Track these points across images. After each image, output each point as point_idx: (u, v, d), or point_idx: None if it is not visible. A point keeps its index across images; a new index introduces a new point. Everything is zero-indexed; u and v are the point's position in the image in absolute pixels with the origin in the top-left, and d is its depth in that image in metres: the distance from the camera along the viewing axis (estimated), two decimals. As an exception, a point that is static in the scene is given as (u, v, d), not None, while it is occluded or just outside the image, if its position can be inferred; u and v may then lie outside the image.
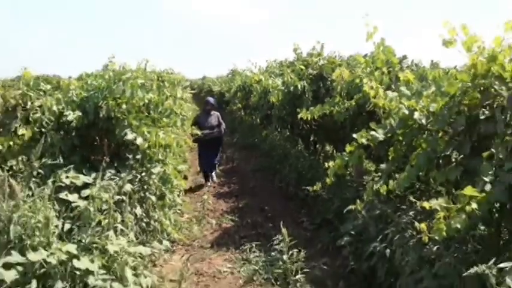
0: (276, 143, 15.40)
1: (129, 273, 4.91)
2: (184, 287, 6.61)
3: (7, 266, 4.65)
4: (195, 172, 14.35)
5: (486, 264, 3.54)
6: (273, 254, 7.32)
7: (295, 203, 10.68)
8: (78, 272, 4.74)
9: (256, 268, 7.20)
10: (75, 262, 4.65)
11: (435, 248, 5.00)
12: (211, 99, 13.41)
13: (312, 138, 11.69)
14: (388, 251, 5.95)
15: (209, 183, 12.97)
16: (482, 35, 4.50)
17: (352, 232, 6.97)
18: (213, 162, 13.35)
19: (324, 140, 10.87)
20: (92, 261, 4.82)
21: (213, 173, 13.58)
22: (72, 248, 4.80)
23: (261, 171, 14.66)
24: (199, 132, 11.29)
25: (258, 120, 17.45)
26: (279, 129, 14.18)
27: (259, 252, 7.80)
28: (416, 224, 4.91)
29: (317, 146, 11.88)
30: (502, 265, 3.47)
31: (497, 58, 4.30)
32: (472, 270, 3.59)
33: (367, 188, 6.88)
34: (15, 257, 4.73)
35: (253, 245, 8.04)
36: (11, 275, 4.67)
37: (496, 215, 4.06)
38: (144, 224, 7.00)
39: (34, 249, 4.74)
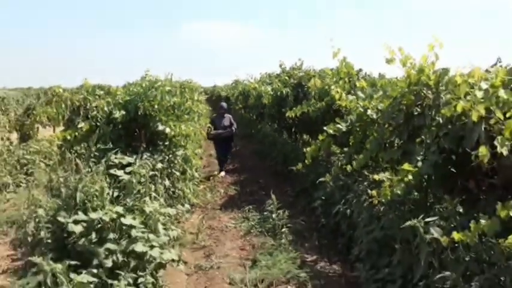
0: (267, 134, 15.23)
1: (160, 227, 4.91)
2: (200, 238, 6.69)
3: (75, 222, 4.70)
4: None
5: (417, 219, 3.59)
6: (265, 213, 7.34)
7: (281, 177, 10.62)
8: (124, 227, 4.76)
9: (253, 224, 7.27)
10: (122, 219, 4.66)
11: (382, 208, 5.05)
12: (224, 104, 12.33)
13: (293, 130, 11.62)
14: (348, 211, 5.92)
15: (222, 173, 11.82)
16: (414, 54, 4.51)
17: (323, 197, 6.94)
18: (226, 154, 12.28)
19: (302, 131, 10.80)
20: (134, 218, 4.80)
21: (224, 165, 12.25)
22: (120, 209, 4.80)
23: (256, 154, 14.56)
24: (213, 131, 11.14)
25: (254, 116, 17.33)
26: (269, 124, 13.97)
27: (255, 212, 7.87)
28: (369, 191, 4.93)
29: (297, 135, 11.83)
30: (427, 219, 3.52)
31: (424, 71, 4.30)
32: (407, 224, 3.64)
33: (334, 166, 6.95)
34: (80, 215, 4.77)
35: (251, 207, 8.11)
36: (78, 229, 4.71)
37: (425, 183, 4.08)
38: (171, 192, 7.00)
39: (94, 210, 4.77)
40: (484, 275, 2.91)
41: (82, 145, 6.43)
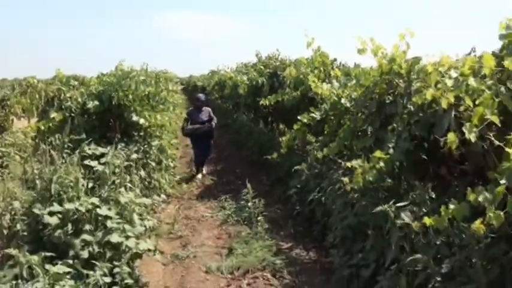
0: (243, 123, 15.21)
1: (136, 217, 4.87)
2: (177, 228, 6.66)
3: (51, 214, 4.64)
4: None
5: (388, 205, 3.64)
6: (241, 202, 7.33)
7: (257, 167, 10.59)
8: (100, 218, 4.72)
9: (229, 213, 7.24)
10: (98, 210, 4.60)
11: (355, 195, 5.09)
12: (201, 96, 10.67)
13: (269, 119, 11.65)
14: (323, 198, 5.97)
15: (199, 176, 10.16)
16: (385, 44, 4.56)
17: (298, 186, 6.95)
18: (205, 153, 10.52)
19: (278, 120, 10.84)
20: (109, 209, 4.75)
21: (205, 167, 10.65)
22: (95, 200, 4.75)
23: (233, 144, 14.46)
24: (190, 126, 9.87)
25: (230, 106, 17.28)
26: (245, 113, 13.84)
27: (231, 201, 7.84)
28: (343, 178, 4.96)
29: (273, 125, 11.85)
30: (398, 204, 3.57)
31: (395, 60, 4.34)
32: (378, 209, 3.69)
33: (309, 154, 6.99)
34: (56, 207, 4.70)
35: (227, 197, 8.10)
36: (54, 220, 4.65)
37: (397, 170, 4.12)
38: (146, 183, 6.94)
39: (69, 201, 4.71)
40: (455, 257, 2.97)
41: (56, 136, 6.32)
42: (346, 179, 4.35)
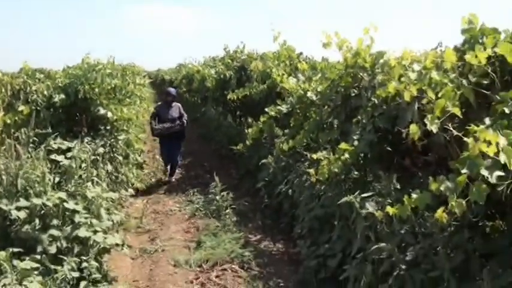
0: (212, 117, 15.15)
1: (103, 212, 4.82)
2: (145, 222, 6.62)
3: (18, 209, 4.56)
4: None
5: (353, 195, 3.70)
6: (209, 196, 7.30)
7: (226, 160, 10.57)
8: (67, 212, 4.65)
9: (198, 206, 7.20)
10: (65, 204, 4.53)
11: (322, 187, 5.16)
12: (172, 90, 9.39)
13: (237, 113, 11.63)
14: (290, 191, 6.06)
15: (173, 179, 9.28)
16: (350, 38, 4.63)
17: (266, 179, 7.02)
18: (175, 156, 9.33)
19: (246, 113, 10.83)
20: (77, 204, 4.71)
21: (176, 169, 9.61)
22: (62, 194, 4.67)
23: (201, 138, 14.32)
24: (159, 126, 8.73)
25: (199, 100, 17.19)
26: (214, 107, 13.71)
27: (199, 195, 7.80)
28: (309, 170, 5.01)
29: (241, 118, 11.84)
30: (363, 195, 3.65)
31: (360, 54, 4.41)
32: (343, 200, 3.75)
33: (276, 147, 7.03)
34: (22, 202, 4.62)
35: (195, 190, 8.06)
36: (22, 214, 4.58)
37: (362, 161, 4.19)
38: (113, 177, 6.87)
39: (36, 196, 4.63)
40: (419, 245, 3.05)
41: (22, 130, 6.18)
42: (312, 171, 4.41)
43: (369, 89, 4.33)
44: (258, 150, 8.29)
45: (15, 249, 4.00)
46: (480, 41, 2.81)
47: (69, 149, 5.79)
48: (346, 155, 4.00)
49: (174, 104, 9.11)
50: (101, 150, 6.23)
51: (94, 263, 4.39)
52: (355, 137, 4.14)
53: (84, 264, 4.31)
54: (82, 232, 4.43)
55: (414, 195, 2.49)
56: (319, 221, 4.83)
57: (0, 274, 3.43)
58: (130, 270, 5.16)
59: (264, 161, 6.90)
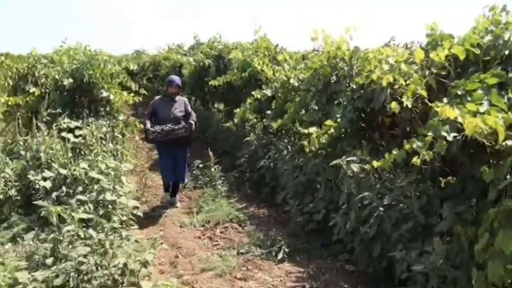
0: None
1: (124, 179, 5.57)
2: (140, 194, 7.29)
3: (44, 179, 5.22)
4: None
5: (341, 159, 4.67)
6: (194, 172, 8.07)
7: (200, 143, 11.20)
8: (89, 181, 5.37)
9: (187, 180, 7.83)
10: (90, 173, 5.26)
11: (301, 160, 6.12)
12: (176, 78, 6.92)
13: (207, 99, 12.25)
14: (272, 164, 7.02)
15: (178, 202, 6.99)
16: (333, 34, 5.60)
17: (247, 155, 7.92)
18: (181, 172, 6.88)
19: (215, 100, 11.46)
20: (100, 173, 5.44)
21: (178, 196, 7.13)
22: (85, 165, 5.41)
23: None
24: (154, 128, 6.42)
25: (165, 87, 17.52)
26: (188, 93, 13.66)
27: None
28: (303, 142, 5.63)
29: (209, 104, 12.45)
30: (348, 159, 4.62)
31: (341, 48, 5.38)
32: (333, 162, 4.71)
33: (256, 129, 7.92)
34: (47, 173, 5.31)
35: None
36: (48, 184, 5.26)
37: (343, 135, 5.14)
38: (114, 153, 7.46)
39: (61, 166, 5.31)
40: (393, 193, 4.10)
41: (26, 111, 6.75)
42: (305, 143, 5.30)
43: (347, 77, 5.32)
44: (231, 134, 9.17)
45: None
46: (440, 43, 3.84)
47: (76, 128, 6.47)
48: (332, 130, 4.97)
49: (178, 98, 6.73)
50: (104, 129, 6.92)
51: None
52: (337, 116, 5.12)
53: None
54: (108, 196, 5.17)
55: (394, 152, 3.48)
56: (303, 186, 5.78)
57: (64, 222, 4.12)
58: (141, 232, 5.90)
59: (247, 138, 7.76)
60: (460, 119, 2.66)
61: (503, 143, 2.78)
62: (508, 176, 2.83)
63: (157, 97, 6.98)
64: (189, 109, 6.82)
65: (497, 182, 2.89)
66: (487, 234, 2.81)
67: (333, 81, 5.58)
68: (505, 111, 2.91)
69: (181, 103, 6.75)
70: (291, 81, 6.44)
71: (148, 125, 6.46)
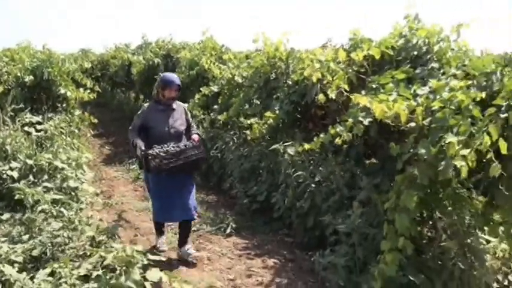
0: (122, 101, 15.80)
1: (85, 167, 5.99)
2: (96, 185, 7.68)
3: (11, 169, 5.56)
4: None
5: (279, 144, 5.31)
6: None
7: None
8: (56, 169, 5.75)
9: (138, 173, 8.28)
10: (55, 162, 5.67)
11: (245, 150, 6.75)
12: (176, 78, 4.81)
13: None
14: (219, 154, 7.60)
15: (194, 250, 4.81)
16: (272, 37, 6.23)
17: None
18: (189, 205, 4.68)
19: None
20: (62, 162, 5.84)
21: (190, 243, 4.89)
22: (49, 155, 5.79)
23: (116, 121, 14.91)
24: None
25: (109, 86, 17.70)
26: (139, 91, 13.84)
27: (135, 165, 8.95)
28: (246, 132, 6.33)
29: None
30: (285, 144, 5.28)
31: (279, 48, 6.03)
32: (273, 147, 5.35)
33: (205, 121, 8.45)
34: (14, 163, 5.65)
35: (131, 161, 9.17)
36: (15, 173, 5.60)
37: (281, 125, 5.77)
38: (72, 146, 7.76)
39: (28, 157, 5.66)
40: (322, 171, 4.78)
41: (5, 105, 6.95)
42: (248, 132, 5.91)
43: (284, 74, 5.97)
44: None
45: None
46: (360, 45, 4.56)
47: (37, 123, 6.81)
48: (271, 120, 5.60)
49: (176, 105, 4.84)
50: (62, 124, 7.27)
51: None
52: (276, 108, 5.76)
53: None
54: (71, 183, 5.60)
55: (322, 135, 4.15)
56: (247, 172, 6.41)
57: (38, 203, 4.55)
58: (100, 217, 6.31)
59: (195, 132, 8.27)
60: (369, 105, 3.33)
61: (407, 125, 3.48)
62: (412, 150, 3.53)
63: (146, 104, 5.11)
64: (190, 119, 5.00)
65: (403, 155, 3.59)
66: (395, 196, 3.50)
67: (272, 78, 6.19)
68: (410, 99, 3.63)
69: (180, 111, 4.85)
70: (236, 78, 7.01)
71: (142, 145, 4.49)
